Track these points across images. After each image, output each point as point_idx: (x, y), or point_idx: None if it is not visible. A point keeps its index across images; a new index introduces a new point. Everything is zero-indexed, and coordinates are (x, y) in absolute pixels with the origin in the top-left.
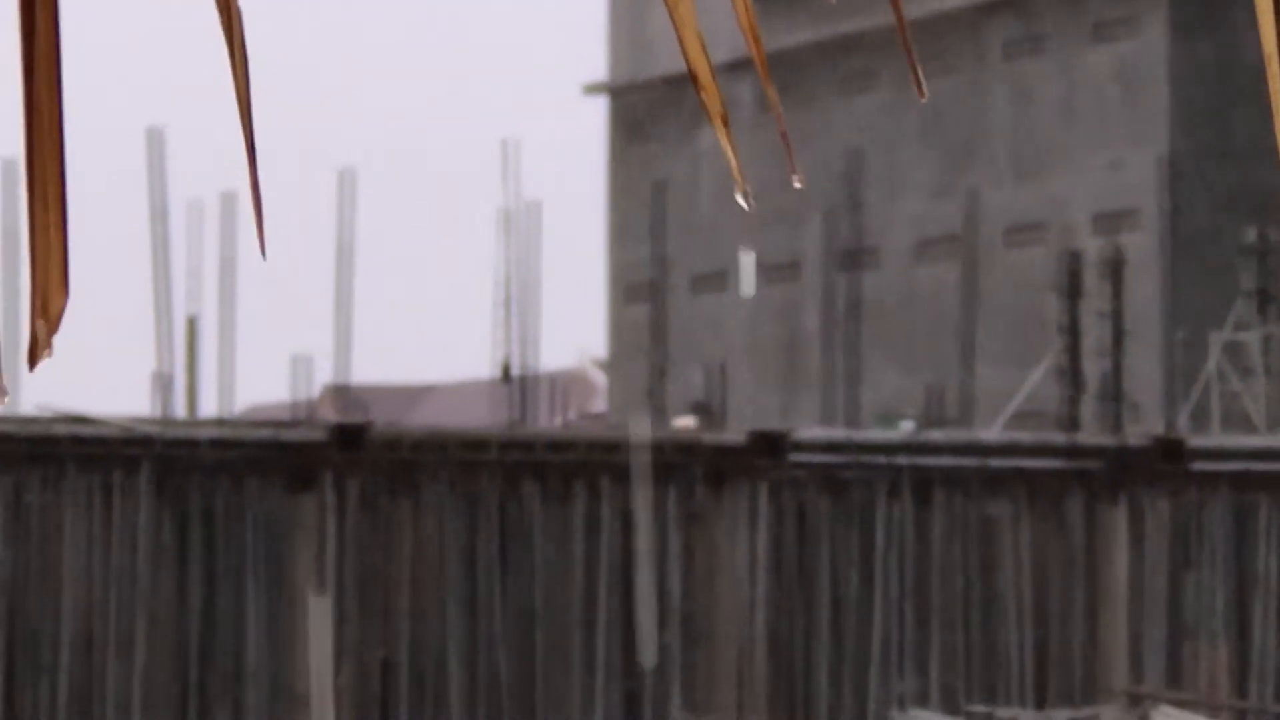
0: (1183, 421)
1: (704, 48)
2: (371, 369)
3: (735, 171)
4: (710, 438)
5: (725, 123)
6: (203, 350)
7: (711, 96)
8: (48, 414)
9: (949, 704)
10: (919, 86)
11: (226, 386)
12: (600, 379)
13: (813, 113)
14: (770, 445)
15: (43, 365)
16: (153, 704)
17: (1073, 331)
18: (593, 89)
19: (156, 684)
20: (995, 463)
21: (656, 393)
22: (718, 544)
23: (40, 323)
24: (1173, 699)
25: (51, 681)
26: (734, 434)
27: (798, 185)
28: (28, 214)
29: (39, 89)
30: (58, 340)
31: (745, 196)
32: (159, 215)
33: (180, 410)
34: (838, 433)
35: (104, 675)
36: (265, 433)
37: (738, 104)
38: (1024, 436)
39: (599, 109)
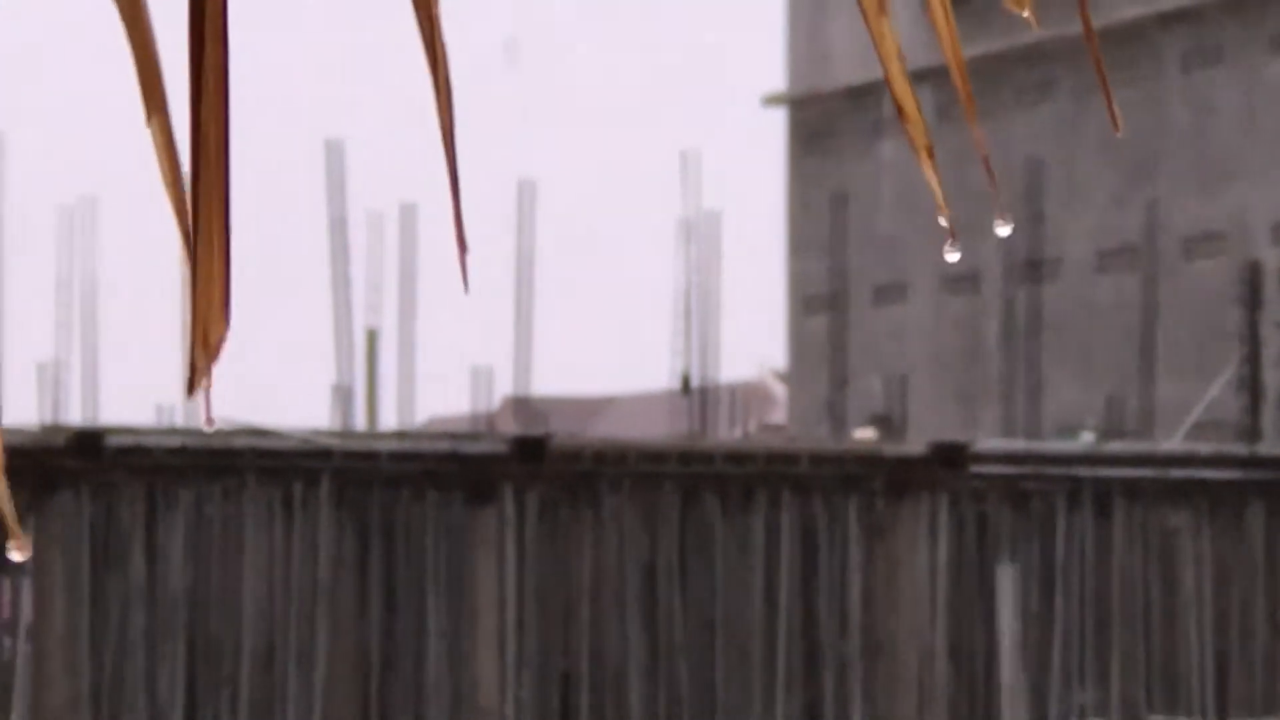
0: None
1: (908, 79)
2: (551, 381)
3: (938, 199)
4: (890, 449)
5: (930, 154)
6: (383, 362)
7: (916, 128)
8: (229, 427)
9: (1129, 714)
10: (1113, 119)
11: (406, 398)
12: (780, 390)
13: (992, 124)
14: (950, 457)
15: (224, 377)
16: (333, 717)
17: (1252, 342)
18: (772, 100)
19: (337, 696)
20: (1175, 473)
21: (836, 404)
22: (898, 555)
23: (200, 351)
24: None
25: (232, 694)
26: (914, 445)
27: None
28: (191, 243)
29: (206, 118)
30: (237, 353)
31: (951, 235)
32: (339, 227)
33: (360, 422)
34: (1018, 444)
35: (285, 688)
36: (445, 445)
37: None
38: (1204, 447)
39: (778, 120)
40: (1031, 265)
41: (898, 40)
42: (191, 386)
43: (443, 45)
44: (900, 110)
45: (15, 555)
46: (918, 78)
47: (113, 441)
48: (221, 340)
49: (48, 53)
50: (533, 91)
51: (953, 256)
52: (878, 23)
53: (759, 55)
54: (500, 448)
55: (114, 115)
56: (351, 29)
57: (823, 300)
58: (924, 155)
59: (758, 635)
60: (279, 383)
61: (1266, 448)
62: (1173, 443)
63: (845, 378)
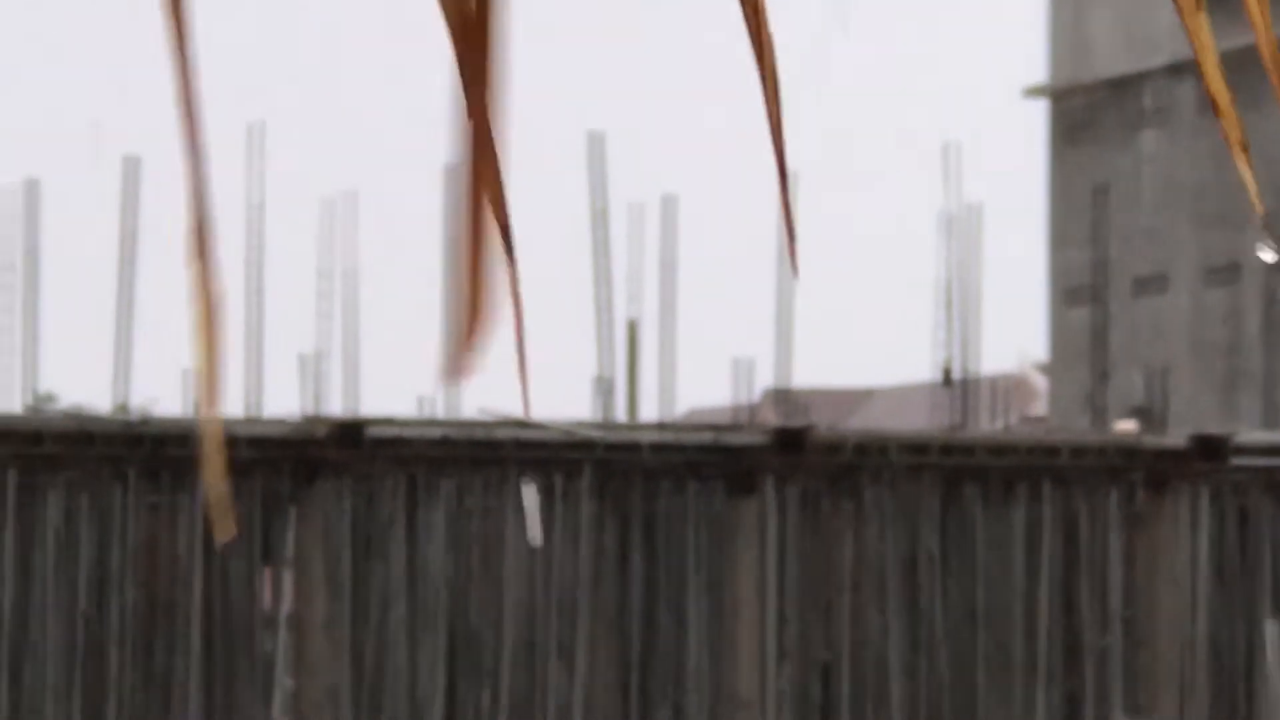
0: None
1: (1221, 71)
2: (812, 373)
3: (1253, 194)
4: (1151, 441)
5: (1245, 149)
6: (644, 354)
7: (1230, 122)
8: (490, 418)
9: None
10: None
11: (667, 390)
12: (1041, 382)
13: (1258, 116)
14: (1212, 449)
15: (485, 370)
16: (594, 709)
17: None
18: (1033, 91)
19: (597, 689)
20: None
21: (1097, 396)
22: (1158, 548)
23: (460, 347)
24: None
25: (493, 687)
26: (1175, 438)
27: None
28: (454, 236)
29: (477, 117)
30: (499, 344)
31: (1266, 229)
32: (600, 218)
33: (621, 414)
34: None
35: (545, 681)
36: (706, 436)
37: (1179, 106)
38: None
39: (1039, 111)
40: None
41: (1204, 34)
42: (452, 376)
43: (769, 35)
44: (1214, 105)
45: (219, 538)
46: (1180, 71)
47: (373, 432)
48: (480, 336)
49: (306, 46)
50: (792, 84)
51: (1268, 256)
52: (1193, 18)
53: (1020, 47)
54: (761, 439)
55: (373, 107)
56: (612, 20)
57: (1083, 292)
58: (1237, 149)
59: (1018, 627)
60: (540, 374)
61: None
62: None
63: (1106, 370)
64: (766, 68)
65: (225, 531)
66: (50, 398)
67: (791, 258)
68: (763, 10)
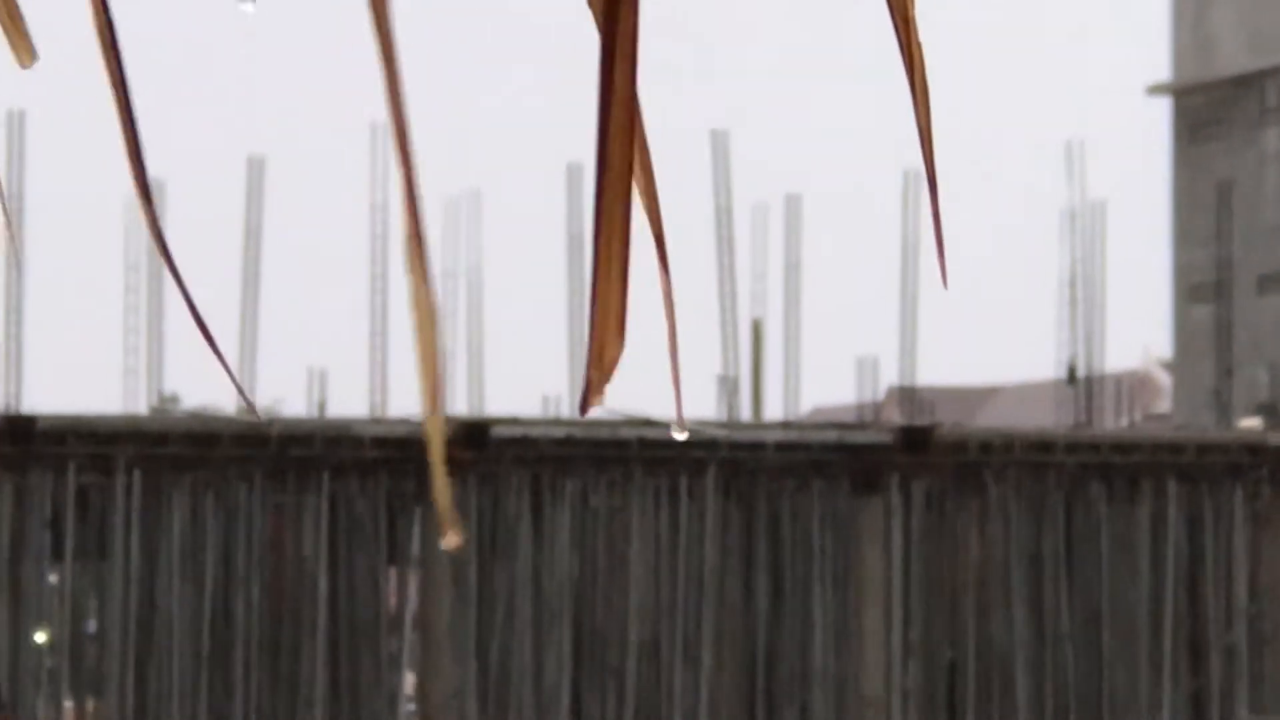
0: None
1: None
2: (936, 370)
3: None
4: (1276, 438)
5: None
6: (768, 353)
7: None
8: (615, 418)
9: None
10: None
11: (791, 389)
12: (1165, 379)
13: None
14: None
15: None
16: (719, 707)
17: None
18: (1156, 89)
19: (722, 687)
20: None
21: (1222, 393)
22: None
23: (595, 371)
24: None
25: (619, 684)
26: None
27: None
28: (594, 262)
29: (612, 140)
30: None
31: None
32: (723, 218)
33: (746, 413)
34: None
35: (670, 678)
36: (831, 435)
37: None
38: None
39: (1163, 109)
40: None
41: None
42: (586, 405)
43: (919, 45)
44: None
45: (448, 543)
46: None
47: (498, 432)
48: (616, 360)
49: (429, 45)
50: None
51: None
52: None
53: (1144, 45)
54: (886, 438)
55: (497, 110)
56: (738, 17)
57: (1207, 289)
58: None
59: (1143, 625)
60: (664, 373)
61: None
62: None
63: (1230, 367)
64: (917, 77)
65: (454, 539)
66: (175, 399)
67: (941, 267)
68: (913, 20)
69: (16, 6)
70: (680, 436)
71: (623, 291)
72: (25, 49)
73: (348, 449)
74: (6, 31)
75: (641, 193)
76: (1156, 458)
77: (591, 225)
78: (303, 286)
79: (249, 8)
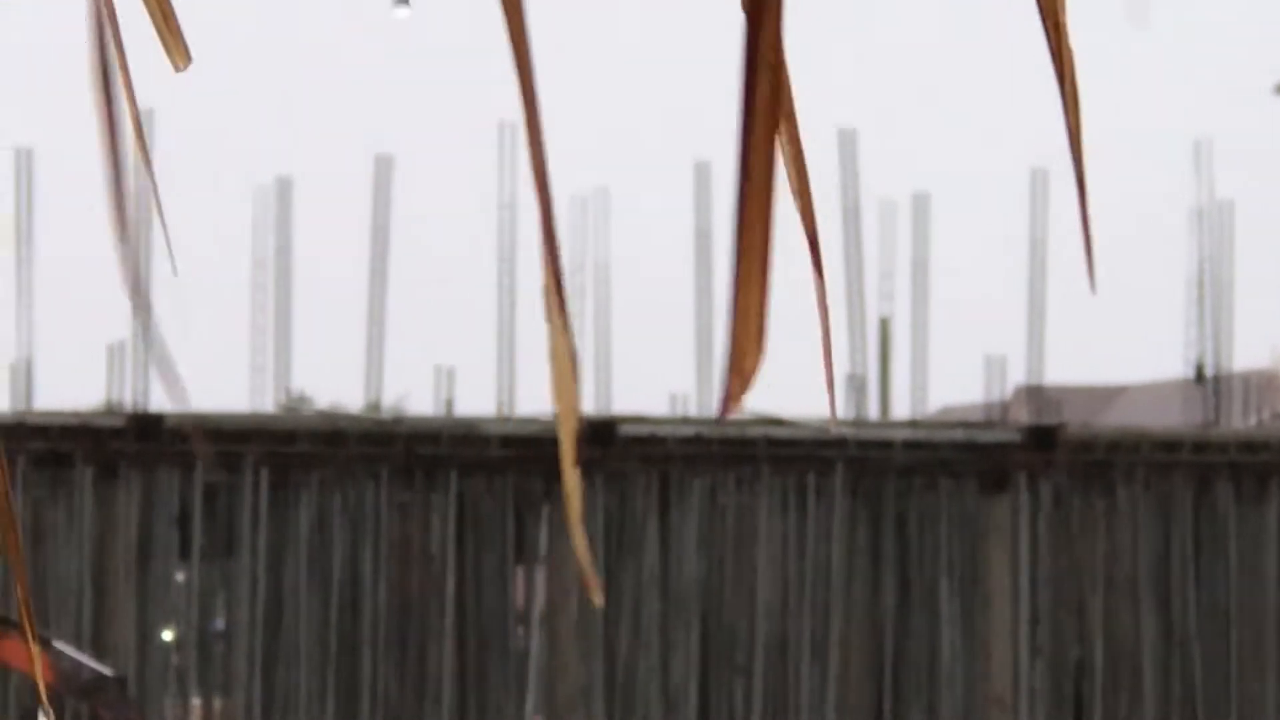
0: None
1: None
2: (1064, 369)
3: None
4: None
5: None
6: (896, 351)
7: None
8: (743, 416)
9: None
10: None
11: (919, 387)
12: None
13: None
14: None
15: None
16: (846, 706)
17: None
18: None
19: (850, 686)
20: None
21: None
22: None
23: (735, 379)
24: None
25: (746, 682)
26: None
27: None
28: (734, 269)
29: (754, 151)
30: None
31: None
32: (851, 216)
33: (874, 412)
34: None
35: (798, 677)
36: (959, 434)
37: None
38: None
39: None
40: None
41: None
42: (725, 411)
43: (1070, 49)
44: None
45: (576, 544)
46: None
47: (626, 430)
48: (756, 369)
49: (559, 42)
50: (1039, 75)
51: None
52: None
53: (1272, 42)
54: (1014, 436)
55: (623, 107)
56: (866, 14)
57: None
58: None
59: (1271, 624)
60: (792, 371)
61: None
62: None
63: None
64: (1067, 81)
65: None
66: (303, 397)
67: (1089, 270)
68: (1064, 26)
69: (171, 8)
70: (831, 434)
71: (763, 300)
72: (180, 51)
73: (475, 447)
74: (160, 34)
75: (794, 193)
76: None
77: (722, 222)
78: (431, 284)
79: (403, 13)
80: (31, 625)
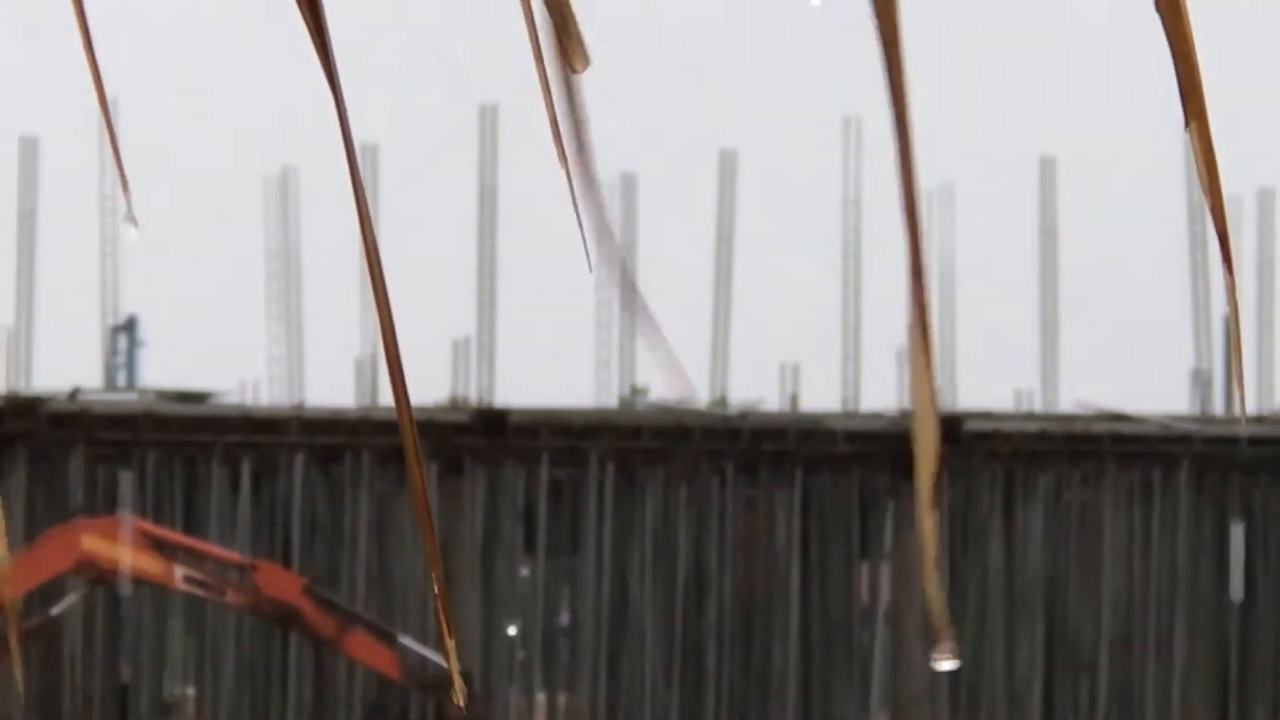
0: None
1: None
2: None
3: None
4: None
5: None
6: (1243, 347)
7: None
8: (1088, 412)
9: None
10: None
11: (1265, 383)
12: None
13: None
14: None
15: (1080, 366)
16: (1192, 704)
17: None
18: None
19: (1195, 683)
20: None
21: None
22: None
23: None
24: None
25: (1091, 679)
26: None
27: None
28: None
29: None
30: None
31: None
32: (1196, 213)
33: (1219, 408)
34: None
35: (1143, 674)
36: None
37: None
38: None
39: None
40: None
41: None
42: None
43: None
44: None
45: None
46: None
47: (971, 426)
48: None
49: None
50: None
51: None
52: None
53: None
54: None
55: (962, 103)
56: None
57: None
58: None
59: None
60: (1136, 367)
61: None
62: None
63: None
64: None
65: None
66: (644, 391)
67: None
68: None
69: (571, 11)
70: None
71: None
72: (580, 56)
73: (821, 443)
74: (560, 38)
75: (1204, 190)
76: None
77: (1066, 219)
78: (774, 280)
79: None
80: (383, 627)
